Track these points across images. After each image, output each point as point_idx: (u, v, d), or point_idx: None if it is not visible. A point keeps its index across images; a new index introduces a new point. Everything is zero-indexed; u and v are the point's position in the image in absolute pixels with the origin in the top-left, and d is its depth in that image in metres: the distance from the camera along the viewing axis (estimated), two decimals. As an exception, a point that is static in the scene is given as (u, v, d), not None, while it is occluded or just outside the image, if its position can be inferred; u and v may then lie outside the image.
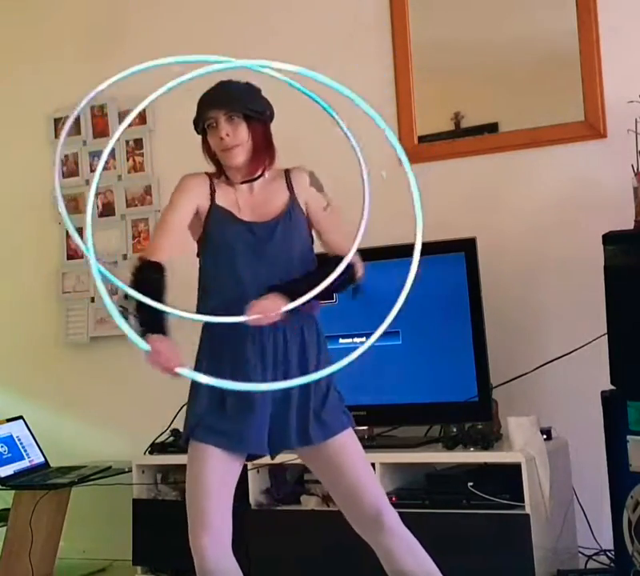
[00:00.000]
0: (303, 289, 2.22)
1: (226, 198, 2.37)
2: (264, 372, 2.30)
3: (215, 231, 2.36)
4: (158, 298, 2.20)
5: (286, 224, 2.36)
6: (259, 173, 2.38)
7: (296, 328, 2.33)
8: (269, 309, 2.19)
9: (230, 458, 2.30)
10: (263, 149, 2.37)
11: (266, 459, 3.44)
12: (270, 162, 2.39)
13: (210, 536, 2.28)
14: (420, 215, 2.26)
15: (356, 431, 3.33)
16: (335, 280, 2.24)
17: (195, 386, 2.32)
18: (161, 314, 2.18)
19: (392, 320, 2.29)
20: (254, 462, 3.44)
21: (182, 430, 2.42)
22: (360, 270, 2.37)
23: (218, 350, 2.34)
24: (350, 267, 2.28)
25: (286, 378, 2.28)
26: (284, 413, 2.31)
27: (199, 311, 2.34)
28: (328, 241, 2.43)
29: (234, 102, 2.32)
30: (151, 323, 2.19)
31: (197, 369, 2.29)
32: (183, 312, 2.18)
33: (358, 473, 2.34)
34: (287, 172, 2.42)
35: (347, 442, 2.35)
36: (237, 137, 2.32)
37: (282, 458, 3.27)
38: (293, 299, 2.20)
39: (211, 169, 2.42)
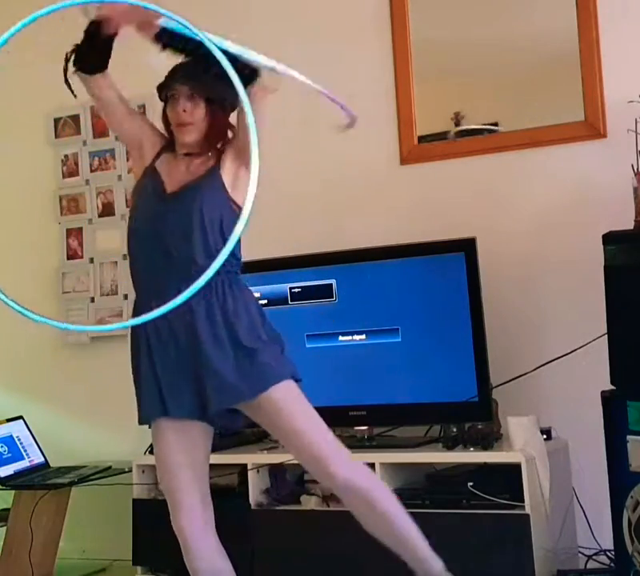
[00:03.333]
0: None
1: (163, 164, 2.44)
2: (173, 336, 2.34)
3: (140, 190, 2.45)
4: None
5: (191, 194, 2.37)
6: (205, 151, 2.42)
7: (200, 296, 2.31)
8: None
9: (182, 428, 2.33)
10: (216, 134, 2.41)
11: (266, 459, 3.47)
12: (221, 148, 2.42)
13: (184, 514, 2.32)
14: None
15: (356, 431, 3.34)
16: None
17: (133, 366, 2.41)
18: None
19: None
20: (254, 462, 3.46)
21: None
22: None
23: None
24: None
25: (195, 341, 2.32)
26: (204, 375, 2.31)
27: (131, 275, 2.48)
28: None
29: (202, 81, 2.34)
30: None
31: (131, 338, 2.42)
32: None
33: (296, 427, 2.32)
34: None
35: (280, 396, 2.32)
36: (193, 115, 2.37)
37: (282, 458, 3.29)
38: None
39: None
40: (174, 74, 2.40)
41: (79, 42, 2.34)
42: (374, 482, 2.41)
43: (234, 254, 2.37)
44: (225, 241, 2.28)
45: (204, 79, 2.34)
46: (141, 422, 2.44)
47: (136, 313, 2.41)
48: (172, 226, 2.36)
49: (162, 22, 2.18)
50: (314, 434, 2.33)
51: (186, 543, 2.34)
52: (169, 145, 2.48)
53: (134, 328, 2.40)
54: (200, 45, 2.00)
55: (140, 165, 2.49)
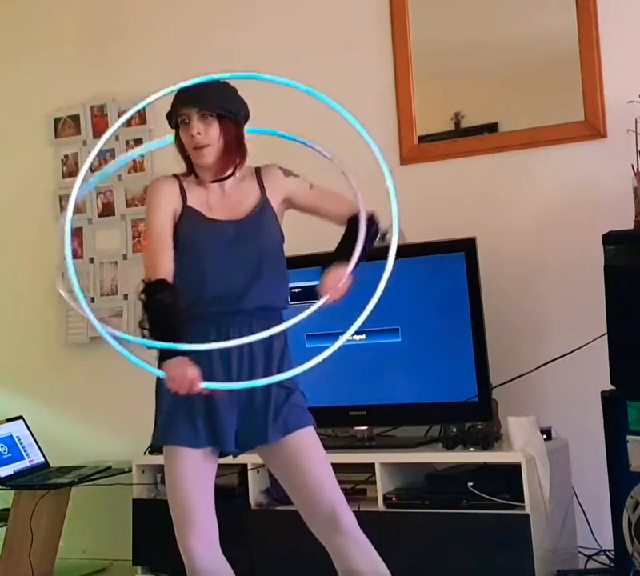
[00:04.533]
0: (349, 250, 2.30)
1: (197, 199, 2.38)
2: (228, 372, 2.32)
3: (187, 232, 2.36)
4: (172, 318, 2.23)
5: (256, 223, 2.37)
6: (229, 172, 2.38)
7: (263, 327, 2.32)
8: (337, 279, 2.30)
9: (203, 457, 2.33)
10: (234, 149, 2.36)
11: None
12: (240, 162, 2.39)
13: (196, 535, 2.31)
14: (396, 226, 2.37)
15: (356, 431, 3.35)
16: (367, 233, 2.34)
17: (160, 388, 2.36)
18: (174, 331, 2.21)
19: (364, 320, 2.38)
20: (254, 462, 3.45)
21: None
22: (376, 217, 2.43)
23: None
24: (371, 219, 2.39)
25: (250, 379, 2.31)
26: (249, 413, 2.33)
27: None
28: (332, 210, 2.46)
29: (209, 100, 2.31)
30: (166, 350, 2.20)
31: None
32: (194, 345, 2.19)
33: (315, 471, 2.34)
34: (257, 170, 2.43)
35: (305, 439, 2.35)
36: (208, 135, 2.32)
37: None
38: (348, 260, 2.31)
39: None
40: (181, 99, 2.34)
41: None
42: (364, 535, 2.45)
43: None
44: (285, 267, 2.42)
45: (212, 97, 2.32)
46: (164, 443, 2.38)
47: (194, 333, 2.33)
48: (241, 254, 2.34)
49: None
50: (330, 480, 2.37)
51: (193, 563, 2.31)
52: (186, 177, 2.41)
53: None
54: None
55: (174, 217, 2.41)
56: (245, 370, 2.33)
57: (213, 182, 2.38)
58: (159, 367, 2.21)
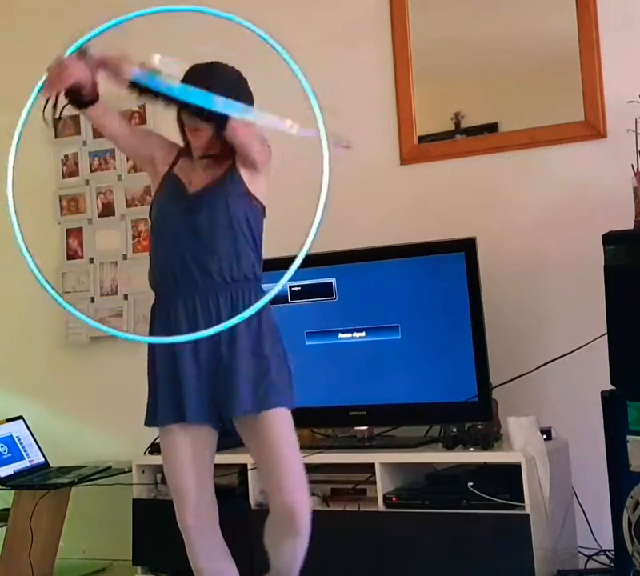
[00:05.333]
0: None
1: (182, 170, 2.48)
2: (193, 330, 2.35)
3: (161, 197, 2.47)
4: None
5: (214, 193, 2.41)
6: (217, 152, 2.44)
7: (232, 297, 2.38)
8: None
9: (190, 432, 2.36)
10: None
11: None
12: (232, 150, 2.43)
13: (191, 513, 2.34)
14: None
15: (356, 431, 3.34)
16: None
17: (151, 370, 2.44)
18: None
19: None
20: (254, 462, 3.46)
21: None
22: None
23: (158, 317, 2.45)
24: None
25: (216, 345, 2.37)
26: (218, 382, 2.36)
27: (149, 277, 2.51)
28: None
29: (217, 85, 2.34)
30: None
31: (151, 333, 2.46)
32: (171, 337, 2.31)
33: (283, 455, 2.35)
34: None
35: (278, 419, 2.37)
36: None
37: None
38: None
39: None
40: (191, 78, 2.38)
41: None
42: (307, 526, 2.48)
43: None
44: (254, 238, 2.43)
45: (219, 85, 2.35)
46: (150, 424, 2.46)
47: (162, 309, 2.44)
48: (199, 225, 2.39)
49: (133, 74, 2.20)
50: (295, 469, 2.38)
51: (191, 542, 2.35)
52: (185, 150, 2.50)
53: (158, 334, 2.42)
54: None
55: (156, 177, 2.52)
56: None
57: (201, 157, 2.47)
58: None
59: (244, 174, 2.42)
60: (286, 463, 2.35)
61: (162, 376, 2.40)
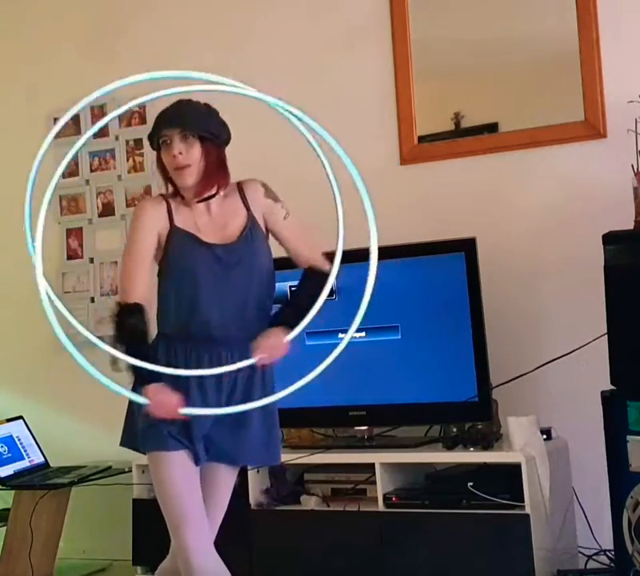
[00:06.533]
0: (297, 316, 2.26)
1: (184, 220, 2.37)
2: (204, 398, 2.32)
3: (177, 254, 2.35)
4: (143, 343, 2.26)
5: (248, 244, 2.36)
6: (212, 192, 2.37)
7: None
8: (276, 346, 2.25)
9: (190, 462, 2.34)
10: (215, 171, 2.36)
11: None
12: (222, 184, 2.39)
13: (192, 533, 2.31)
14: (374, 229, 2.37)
15: (356, 431, 3.34)
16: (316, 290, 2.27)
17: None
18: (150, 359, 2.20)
19: (360, 320, 2.30)
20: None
21: None
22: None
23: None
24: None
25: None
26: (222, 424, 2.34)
27: (158, 333, 2.38)
28: (293, 250, 2.45)
29: (190, 122, 2.33)
30: (142, 373, 2.21)
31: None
32: (168, 369, 2.22)
33: (225, 501, 2.46)
34: (240, 185, 2.43)
35: (228, 475, 2.45)
36: (189, 156, 2.32)
37: (282, 458, 3.28)
38: (292, 328, 2.24)
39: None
40: (162, 120, 2.37)
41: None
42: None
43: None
44: (271, 295, 2.41)
45: (193, 119, 2.33)
46: (131, 447, 2.43)
47: (171, 351, 2.36)
48: (233, 278, 2.34)
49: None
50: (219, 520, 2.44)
51: (189, 563, 2.30)
52: (172, 196, 2.41)
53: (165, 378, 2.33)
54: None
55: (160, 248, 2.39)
56: (223, 397, 2.33)
57: (198, 201, 2.38)
58: (134, 390, 2.22)
59: (258, 218, 2.39)
60: (218, 519, 2.43)
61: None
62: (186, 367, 2.29)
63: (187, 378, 2.28)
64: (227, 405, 2.30)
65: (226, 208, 2.39)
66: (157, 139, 2.38)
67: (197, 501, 2.33)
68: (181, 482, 2.32)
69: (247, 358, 2.27)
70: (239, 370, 2.29)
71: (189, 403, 2.23)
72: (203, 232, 2.36)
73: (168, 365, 2.28)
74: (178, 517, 2.32)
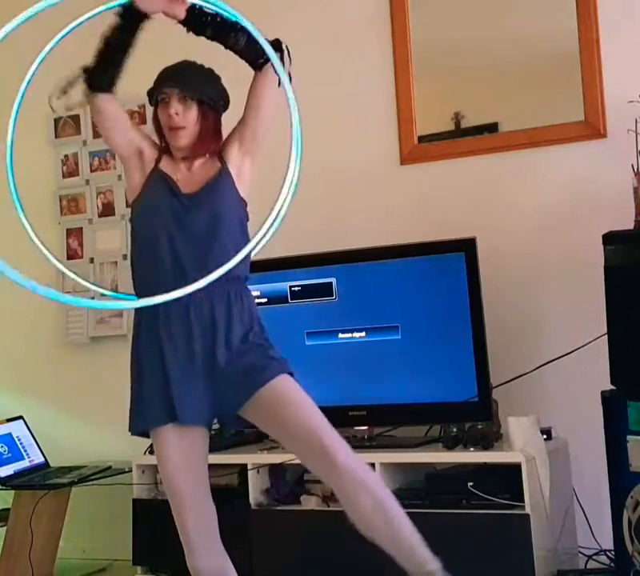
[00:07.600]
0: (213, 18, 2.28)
1: (167, 167, 2.42)
2: (189, 331, 2.32)
3: (149, 193, 2.39)
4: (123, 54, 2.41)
5: (212, 192, 2.37)
6: (201, 155, 2.41)
7: (223, 299, 2.34)
8: None
9: (179, 432, 2.32)
10: (210, 136, 2.39)
11: (266, 459, 3.47)
12: (214, 150, 2.41)
13: (188, 515, 2.32)
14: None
15: (356, 431, 3.34)
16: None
17: (136, 372, 2.38)
18: None
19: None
20: (254, 462, 3.46)
21: None
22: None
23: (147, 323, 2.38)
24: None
25: (213, 346, 2.31)
26: (214, 381, 2.32)
27: (133, 281, 2.42)
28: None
29: (191, 83, 2.35)
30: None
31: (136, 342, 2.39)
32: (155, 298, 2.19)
33: (295, 415, 2.27)
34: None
35: (278, 387, 2.30)
36: (186, 118, 2.35)
37: (282, 457, 3.29)
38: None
39: None
40: (164, 78, 2.38)
41: (90, 63, 2.42)
42: (376, 478, 2.35)
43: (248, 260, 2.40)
44: (245, 239, 2.36)
45: (195, 81, 2.35)
46: (136, 431, 2.41)
47: (150, 314, 2.36)
48: (196, 226, 2.34)
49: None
50: (321, 421, 2.26)
51: (189, 543, 2.34)
52: (164, 149, 2.45)
53: (144, 331, 2.37)
54: (222, 27, 2.18)
55: (140, 170, 2.44)
56: (207, 333, 2.32)
57: (183, 158, 2.41)
58: None
59: (232, 170, 2.39)
60: (316, 426, 2.24)
61: (148, 373, 2.34)
62: (164, 326, 2.33)
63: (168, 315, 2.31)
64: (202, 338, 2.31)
65: (205, 167, 2.41)
66: (156, 95, 2.40)
67: (192, 480, 2.33)
68: (177, 460, 2.32)
69: (215, 306, 2.31)
70: (217, 310, 2.31)
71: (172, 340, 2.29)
72: (182, 183, 2.39)
73: (149, 325, 2.34)
74: (174, 497, 2.34)
